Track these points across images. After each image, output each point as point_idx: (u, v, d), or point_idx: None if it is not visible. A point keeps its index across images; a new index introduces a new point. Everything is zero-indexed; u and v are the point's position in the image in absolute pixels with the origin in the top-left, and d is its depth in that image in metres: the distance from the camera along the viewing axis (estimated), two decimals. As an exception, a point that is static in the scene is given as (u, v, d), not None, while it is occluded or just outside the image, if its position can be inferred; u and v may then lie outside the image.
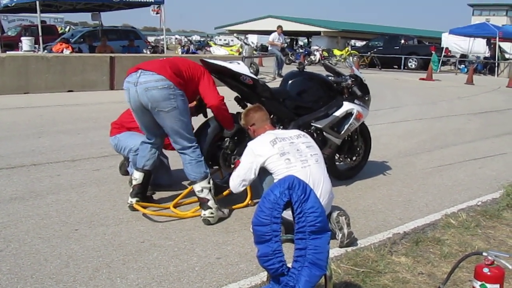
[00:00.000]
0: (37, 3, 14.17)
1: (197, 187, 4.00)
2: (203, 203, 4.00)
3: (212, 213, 3.98)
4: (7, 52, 15.30)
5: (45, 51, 15.37)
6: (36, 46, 16.66)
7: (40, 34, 15.08)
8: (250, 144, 3.78)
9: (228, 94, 4.49)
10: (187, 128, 3.98)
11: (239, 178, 3.76)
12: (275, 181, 3.56)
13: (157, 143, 4.22)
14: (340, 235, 3.57)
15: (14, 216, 4.01)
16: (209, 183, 4.02)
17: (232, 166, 4.42)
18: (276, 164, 3.58)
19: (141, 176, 4.20)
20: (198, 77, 4.08)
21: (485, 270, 2.37)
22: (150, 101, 3.81)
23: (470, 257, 2.86)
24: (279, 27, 18.23)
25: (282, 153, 3.60)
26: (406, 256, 3.49)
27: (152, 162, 4.23)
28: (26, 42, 17.44)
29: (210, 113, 4.41)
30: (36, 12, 14.66)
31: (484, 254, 2.41)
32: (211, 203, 3.98)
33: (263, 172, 3.69)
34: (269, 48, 18.62)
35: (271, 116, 4.53)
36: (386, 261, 3.37)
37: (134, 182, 4.20)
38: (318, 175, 3.60)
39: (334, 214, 3.62)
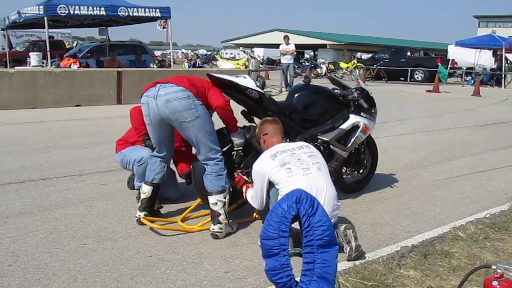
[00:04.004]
0: (45, 18, 14.31)
1: (212, 199, 4.01)
2: (214, 217, 4.01)
3: (221, 228, 3.99)
4: (16, 67, 15.46)
5: (53, 66, 15.50)
6: (44, 61, 16.81)
7: (48, 49, 15.22)
8: (254, 166, 3.86)
9: (235, 108, 4.50)
10: (210, 138, 3.99)
11: (258, 198, 3.87)
12: (279, 191, 3.60)
13: (167, 157, 4.26)
14: (348, 248, 3.56)
15: (23, 230, 4.03)
16: (225, 197, 4.03)
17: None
18: (278, 175, 3.63)
19: (150, 190, 4.22)
20: (208, 88, 4.15)
21: (494, 283, 2.34)
22: (172, 112, 3.85)
23: (479, 270, 2.84)
24: (285, 37, 18.24)
25: (282, 164, 3.67)
26: (415, 269, 3.47)
27: (162, 176, 4.25)
28: (34, 58, 17.60)
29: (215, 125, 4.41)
30: (44, 28, 14.79)
31: (493, 267, 2.39)
32: (222, 218, 3.99)
33: (268, 183, 3.74)
34: (282, 61, 18.50)
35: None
36: (395, 275, 3.36)
37: (142, 196, 4.22)
38: (321, 182, 3.63)
39: (341, 228, 3.62)
